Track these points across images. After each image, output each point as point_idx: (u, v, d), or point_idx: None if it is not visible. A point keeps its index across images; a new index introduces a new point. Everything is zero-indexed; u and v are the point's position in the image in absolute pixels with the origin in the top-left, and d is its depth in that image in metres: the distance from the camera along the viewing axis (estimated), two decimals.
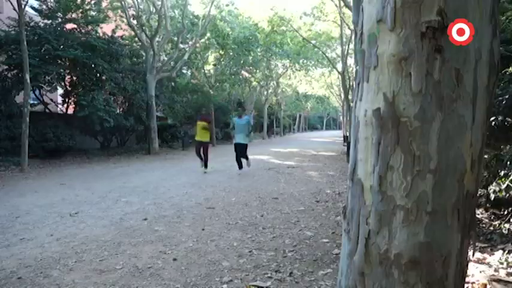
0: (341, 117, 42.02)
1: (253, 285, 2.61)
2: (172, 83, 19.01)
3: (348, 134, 14.94)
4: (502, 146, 4.04)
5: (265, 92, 30.86)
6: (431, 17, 1.10)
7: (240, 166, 8.85)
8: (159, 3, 14.76)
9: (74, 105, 13.83)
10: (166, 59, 17.44)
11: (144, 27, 14.92)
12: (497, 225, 3.68)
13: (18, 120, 10.47)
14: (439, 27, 1.10)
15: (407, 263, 1.17)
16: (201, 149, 8.92)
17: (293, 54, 22.27)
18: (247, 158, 9.00)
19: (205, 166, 9.00)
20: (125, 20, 15.21)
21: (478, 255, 3.05)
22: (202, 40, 20.49)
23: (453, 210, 1.17)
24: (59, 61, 12.53)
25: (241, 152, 8.74)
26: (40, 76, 11.70)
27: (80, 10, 13.71)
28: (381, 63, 1.20)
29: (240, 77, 23.31)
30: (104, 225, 4.24)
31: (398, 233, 1.18)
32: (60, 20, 13.26)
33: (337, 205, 5.33)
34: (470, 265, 2.73)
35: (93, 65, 12.81)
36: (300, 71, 27.60)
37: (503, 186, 3.41)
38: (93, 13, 14.50)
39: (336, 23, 18.73)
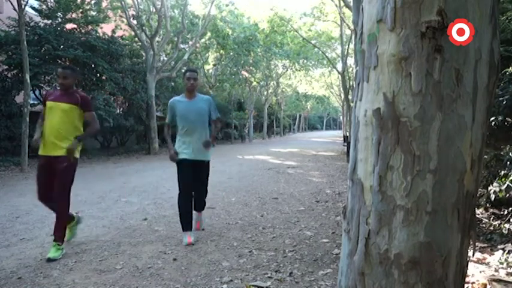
0: (341, 117, 42.03)
1: (253, 285, 2.61)
2: (172, 83, 19.00)
3: (348, 134, 14.94)
4: (502, 146, 4.04)
5: (265, 92, 30.88)
6: (431, 17, 1.10)
7: (189, 223, 3.64)
8: (159, 3, 14.76)
9: None
10: (166, 59, 17.44)
11: (144, 27, 14.92)
12: (497, 225, 3.68)
13: (18, 120, 10.46)
14: (439, 27, 1.10)
15: (407, 263, 1.17)
16: (55, 180, 3.30)
17: (293, 54, 22.30)
18: (204, 201, 4.00)
19: (58, 237, 3.23)
20: (124, 20, 15.21)
21: (478, 255, 3.04)
22: (202, 40, 20.51)
23: (453, 210, 1.17)
24: (59, 61, 12.52)
25: (199, 181, 3.84)
26: (40, 76, 11.71)
27: (80, 10, 13.70)
28: (381, 63, 1.20)
29: (240, 77, 23.32)
30: (104, 225, 4.24)
31: (398, 233, 1.18)
32: (60, 20, 13.26)
33: (337, 205, 5.33)
34: (470, 265, 2.73)
35: (93, 65, 12.81)
36: (300, 71, 27.63)
37: (503, 186, 3.41)
38: (93, 13, 14.49)
39: (336, 23, 18.75)
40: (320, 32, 21.55)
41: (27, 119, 9.50)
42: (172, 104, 3.86)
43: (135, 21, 15.01)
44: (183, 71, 20.64)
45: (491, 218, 3.91)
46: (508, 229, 3.50)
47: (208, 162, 3.96)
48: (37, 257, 3.21)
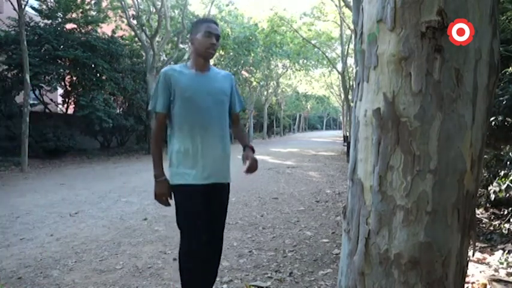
0: (341, 117, 42.03)
1: (253, 285, 2.61)
2: None
3: (348, 134, 14.94)
4: (502, 146, 4.04)
5: (265, 92, 30.86)
6: (431, 17, 1.10)
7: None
8: (159, 3, 14.76)
9: (74, 105, 13.84)
10: (166, 59, 17.44)
11: (144, 27, 14.91)
12: (497, 225, 3.68)
13: (18, 120, 10.46)
14: (439, 27, 1.10)
15: (407, 263, 1.17)
16: None
17: (293, 54, 22.28)
18: (217, 269, 2.26)
19: None
20: (125, 20, 15.21)
21: (478, 255, 3.04)
22: None
23: (453, 210, 1.17)
24: (59, 61, 12.54)
25: (214, 223, 2.06)
26: (40, 76, 11.72)
27: (80, 10, 13.72)
28: (381, 63, 1.20)
29: (240, 77, 23.32)
30: (104, 225, 4.24)
31: (398, 233, 1.18)
32: (60, 20, 13.26)
33: (337, 205, 5.33)
34: (470, 265, 2.73)
35: (93, 65, 12.81)
36: (300, 71, 27.62)
37: (503, 186, 3.41)
38: (93, 13, 14.50)
39: (336, 23, 18.75)
40: (320, 32, 21.54)
41: (27, 119, 9.50)
42: (168, 75, 1.98)
43: (135, 21, 15.01)
44: None
45: (491, 218, 3.91)
46: (508, 229, 3.50)
47: (229, 186, 2.23)
48: (37, 257, 3.22)
